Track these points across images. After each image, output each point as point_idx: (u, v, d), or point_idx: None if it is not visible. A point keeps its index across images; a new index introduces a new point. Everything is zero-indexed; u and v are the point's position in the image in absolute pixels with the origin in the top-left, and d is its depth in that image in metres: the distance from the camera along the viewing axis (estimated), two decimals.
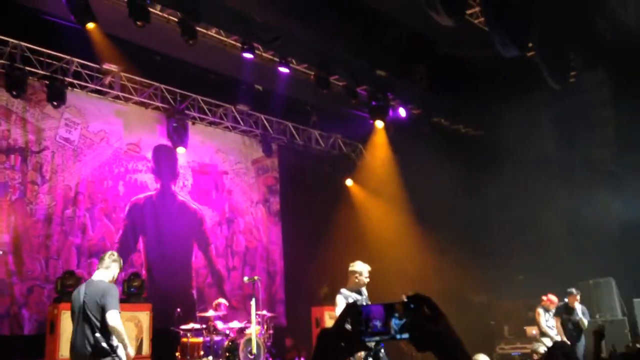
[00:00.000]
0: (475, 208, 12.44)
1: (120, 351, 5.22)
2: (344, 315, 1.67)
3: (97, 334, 5.13)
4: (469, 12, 10.30)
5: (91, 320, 5.16)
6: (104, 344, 5.14)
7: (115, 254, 5.74)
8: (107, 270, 5.51)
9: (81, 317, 5.21)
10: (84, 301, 5.25)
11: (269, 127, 13.41)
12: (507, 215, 12.14)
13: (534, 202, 12.09)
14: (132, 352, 5.40)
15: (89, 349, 5.11)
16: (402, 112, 12.85)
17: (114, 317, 5.14)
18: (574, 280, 11.23)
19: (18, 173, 9.84)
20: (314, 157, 14.29)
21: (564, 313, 9.34)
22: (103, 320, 5.15)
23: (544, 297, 9.43)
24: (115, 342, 5.21)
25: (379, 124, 12.94)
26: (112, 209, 10.95)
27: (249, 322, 9.09)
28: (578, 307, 9.15)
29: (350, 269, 6.40)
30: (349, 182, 14.55)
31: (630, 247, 10.70)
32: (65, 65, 10.28)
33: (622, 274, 10.96)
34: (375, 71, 12.20)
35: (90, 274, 10.20)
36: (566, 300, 9.41)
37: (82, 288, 5.42)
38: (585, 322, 9.23)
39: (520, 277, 12.32)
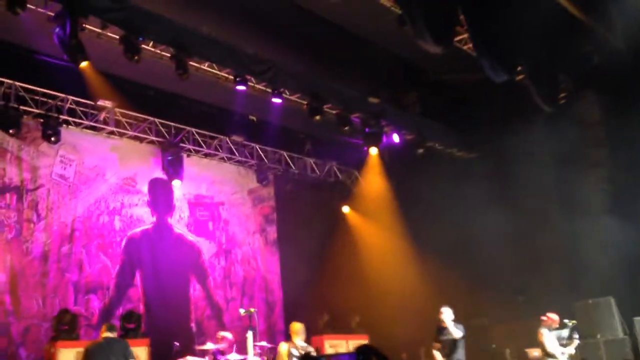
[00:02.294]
0: (472, 231, 12.43)
1: None
2: None
3: None
4: (457, 38, 10.46)
5: None
6: None
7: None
8: (114, 333, 7.39)
9: None
10: (110, 354, 6.97)
11: (264, 157, 13.49)
12: (505, 237, 12.11)
13: (531, 223, 12.09)
14: None
15: None
16: (395, 138, 12.94)
17: None
18: (573, 300, 11.21)
19: (14, 212, 9.86)
20: (310, 185, 14.35)
21: (438, 335, 9.05)
22: None
23: (544, 317, 9.34)
24: None
25: (373, 150, 13.02)
26: (108, 244, 10.95)
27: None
28: (450, 325, 8.83)
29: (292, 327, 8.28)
30: (345, 208, 14.58)
31: (629, 266, 10.70)
32: (59, 103, 10.39)
33: (622, 293, 10.92)
34: (368, 99, 12.33)
35: (88, 311, 10.25)
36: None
37: (104, 345, 7.11)
38: (455, 335, 8.86)
39: (520, 298, 12.27)
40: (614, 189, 11.62)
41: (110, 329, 7.37)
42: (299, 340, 8.06)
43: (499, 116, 12.12)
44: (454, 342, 8.87)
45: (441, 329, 8.98)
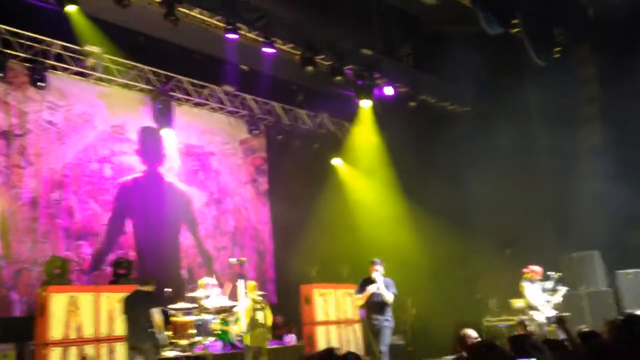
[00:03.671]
0: (461, 184, 12.53)
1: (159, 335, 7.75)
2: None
3: (149, 327, 7.53)
4: None
5: (144, 317, 7.52)
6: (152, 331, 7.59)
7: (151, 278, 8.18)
8: (147, 286, 7.88)
9: (139, 314, 7.56)
10: (140, 304, 7.61)
11: (255, 108, 13.38)
12: (493, 190, 12.23)
13: (520, 176, 12.19)
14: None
15: (146, 335, 7.49)
16: (388, 90, 12.85)
17: (157, 313, 7.69)
18: (559, 253, 11.41)
19: (2, 157, 9.78)
20: (301, 136, 14.31)
21: (366, 284, 8.11)
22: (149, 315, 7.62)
23: (525, 270, 9.46)
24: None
25: (366, 103, 12.94)
26: (98, 191, 10.93)
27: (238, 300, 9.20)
28: (380, 279, 7.98)
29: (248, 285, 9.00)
30: (336, 160, 14.59)
31: (616, 221, 10.84)
32: (46, 48, 10.19)
33: (608, 247, 11.11)
34: (361, 50, 12.17)
35: (79, 256, 10.33)
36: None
37: (137, 296, 7.75)
38: (387, 296, 8.00)
39: (506, 251, 12.45)
40: (606, 145, 11.68)
41: (144, 282, 7.99)
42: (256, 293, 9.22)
43: (494, 70, 12.03)
44: (383, 303, 8.04)
45: (369, 281, 8.08)
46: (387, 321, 8.10)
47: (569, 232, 11.44)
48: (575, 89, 12.15)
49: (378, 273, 8.09)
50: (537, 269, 9.47)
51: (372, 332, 8.20)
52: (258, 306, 8.96)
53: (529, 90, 12.48)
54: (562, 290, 9.47)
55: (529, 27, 10.87)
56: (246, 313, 8.76)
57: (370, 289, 7.97)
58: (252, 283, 9.26)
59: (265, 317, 9.02)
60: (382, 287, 8.03)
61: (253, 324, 8.81)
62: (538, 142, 12.27)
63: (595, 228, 10.86)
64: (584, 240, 11.09)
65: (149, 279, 8.11)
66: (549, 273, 9.75)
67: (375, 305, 8.12)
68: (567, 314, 9.55)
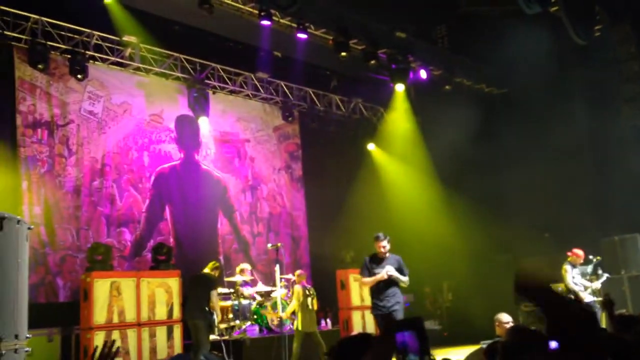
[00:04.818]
0: (499, 167, 12.38)
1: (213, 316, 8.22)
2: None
3: (206, 307, 8.09)
4: None
5: (204, 297, 8.10)
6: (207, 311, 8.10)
7: (218, 264, 8.76)
8: (213, 271, 8.42)
9: (200, 295, 8.16)
10: (197, 285, 8.30)
11: (289, 94, 13.43)
12: (532, 173, 12.05)
13: (559, 158, 11.97)
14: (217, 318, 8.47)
15: (202, 314, 8.02)
16: (423, 74, 12.73)
17: (215, 296, 8.32)
18: (600, 236, 11.19)
19: (45, 147, 10.05)
20: (335, 122, 14.29)
21: (373, 263, 7.05)
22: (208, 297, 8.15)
23: (569, 253, 9.31)
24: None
25: (400, 87, 12.85)
26: (138, 179, 11.16)
27: (275, 285, 9.35)
28: (388, 262, 6.93)
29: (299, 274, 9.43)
30: (371, 146, 14.55)
31: None
32: (85, 39, 10.39)
33: None
34: (395, 33, 12.06)
35: (120, 243, 10.59)
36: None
37: (194, 277, 8.59)
38: (403, 277, 6.95)
39: (546, 234, 12.27)
40: None
41: (213, 268, 8.51)
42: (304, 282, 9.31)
43: (530, 50, 11.78)
44: (391, 284, 6.95)
45: (377, 259, 7.01)
46: (397, 304, 6.91)
47: (610, 214, 11.21)
48: (616, 68, 11.83)
49: (387, 257, 6.97)
50: (580, 252, 9.33)
51: (379, 320, 7.09)
52: (307, 292, 9.13)
53: (567, 71, 12.21)
54: (603, 277, 9.34)
55: (568, 5, 10.59)
56: (297, 298, 8.98)
57: (382, 273, 6.86)
58: (302, 274, 9.49)
59: (313, 303, 9.16)
60: (394, 271, 6.84)
61: (303, 309, 8.98)
62: (577, 124, 12.00)
63: (638, 211, 10.62)
64: (625, 223, 10.86)
65: (217, 265, 8.65)
66: (589, 257, 9.60)
67: (380, 288, 6.91)
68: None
